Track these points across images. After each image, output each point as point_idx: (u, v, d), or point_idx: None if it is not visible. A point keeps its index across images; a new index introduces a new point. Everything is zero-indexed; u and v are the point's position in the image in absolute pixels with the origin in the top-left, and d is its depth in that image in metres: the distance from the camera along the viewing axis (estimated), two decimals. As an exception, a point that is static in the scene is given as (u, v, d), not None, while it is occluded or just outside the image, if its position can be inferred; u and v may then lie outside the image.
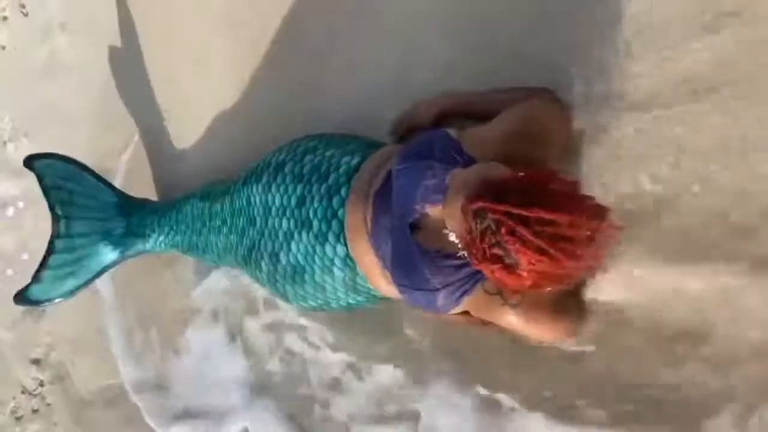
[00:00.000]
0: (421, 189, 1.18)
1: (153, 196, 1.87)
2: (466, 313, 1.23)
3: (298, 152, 1.46)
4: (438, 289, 1.17)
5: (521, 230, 0.91)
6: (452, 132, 1.21)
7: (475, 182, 0.98)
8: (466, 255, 1.04)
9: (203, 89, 1.81)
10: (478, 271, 1.10)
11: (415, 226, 1.19)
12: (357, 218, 1.32)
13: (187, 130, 1.84)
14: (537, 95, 1.26)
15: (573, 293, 1.25)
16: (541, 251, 0.91)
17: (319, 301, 1.46)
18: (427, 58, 1.49)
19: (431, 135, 1.22)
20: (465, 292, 1.17)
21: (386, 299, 1.41)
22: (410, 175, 1.20)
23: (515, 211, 0.92)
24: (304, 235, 1.38)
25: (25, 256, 1.95)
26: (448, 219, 1.03)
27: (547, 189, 0.94)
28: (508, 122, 1.19)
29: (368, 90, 1.56)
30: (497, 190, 0.95)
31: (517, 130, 1.16)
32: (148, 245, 1.74)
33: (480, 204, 0.94)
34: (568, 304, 1.22)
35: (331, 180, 1.37)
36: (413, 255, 1.18)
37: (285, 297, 1.50)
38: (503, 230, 0.91)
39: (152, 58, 1.89)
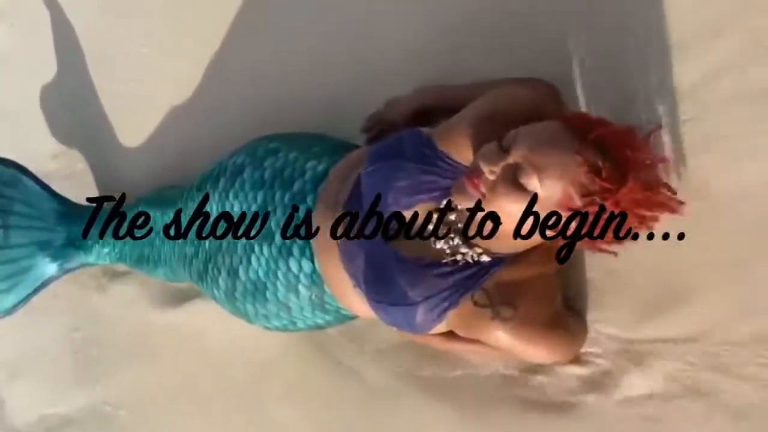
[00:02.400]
0: (392, 193, 1.13)
1: (98, 203, 1.76)
2: (450, 333, 1.16)
3: (257, 155, 1.38)
4: (418, 303, 1.10)
5: (637, 141, 0.97)
6: (423, 130, 1.17)
7: (576, 124, 0.99)
8: (451, 261, 1.06)
9: (153, 83, 1.73)
10: (466, 280, 1.08)
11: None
12: (325, 229, 1.24)
13: (134, 129, 1.76)
14: (528, 83, 1.20)
15: (571, 309, 1.19)
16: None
17: (283, 321, 1.37)
18: (402, 46, 1.43)
19: (401, 134, 1.18)
20: (450, 305, 1.10)
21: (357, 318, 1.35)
22: (379, 177, 1.15)
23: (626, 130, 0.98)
24: (265, 248, 1.31)
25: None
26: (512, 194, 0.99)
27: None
28: (484, 103, 1.14)
29: (336, 83, 1.50)
30: (590, 123, 0.98)
31: (496, 111, 1.11)
32: (91, 257, 1.65)
33: (598, 133, 0.96)
34: (566, 321, 1.15)
35: (295, 187, 1.31)
36: (389, 266, 1.13)
37: (246, 317, 1.41)
38: (620, 148, 0.95)
39: (97, 51, 1.82)
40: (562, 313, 1.15)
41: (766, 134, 1.05)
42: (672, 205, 1.00)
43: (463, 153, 1.11)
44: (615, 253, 1.01)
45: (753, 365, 1.04)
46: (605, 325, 1.18)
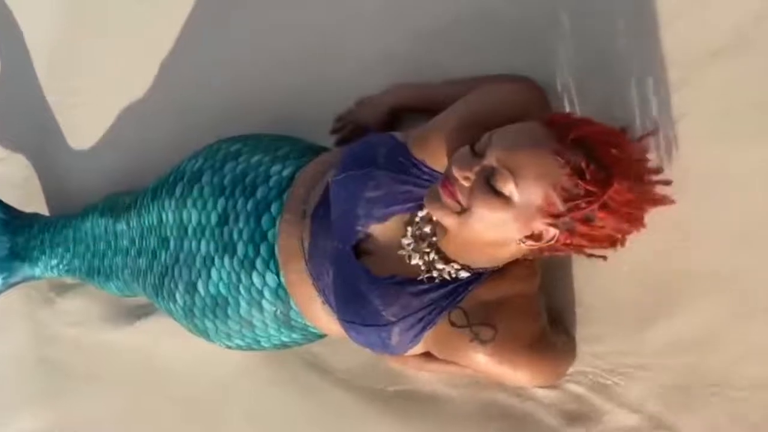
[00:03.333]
0: (363, 204, 1.10)
1: (45, 211, 1.75)
2: (427, 355, 1.13)
3: (217, 159, 1.34)
4: (392, 323, 1.07)
5: (623, 141, 0.94)
6: (398, 134, 1.15)
7: (557, 124, 0.95)
8: (427, 278, 1.04)
9: (103, 84, 1.69)
10: (443, 298, 1.05)
11: (360, 250, 1.11)
12: (291, 241, 1.21)
13: (84, 132, 1.72)
14: (513, 83, 1.17)
15: (558, 327, 1.15)
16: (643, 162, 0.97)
17: (246, 340, 1.33)
18: (376, 42, 1.39)
19: (374, 139, 1.16)
20: (427, 325, 1.06)
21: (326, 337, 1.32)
22: (349, 187, 1.12)
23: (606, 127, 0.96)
24: (226, 260, 1.27)
25: None
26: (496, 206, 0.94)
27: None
28: (465, 106, 1.11)
29: (304, 80, 1.46)
30: (571, 123, 0.95)
31: (478, 114, 1.08)
32: (37, 270, 1.60)
33: (579, 132, 0.92)
34: (551, 341, 1.10)
35: (259, 194, 1.27)
36: (360, 284, 1.10)
37: (206, 335, 1.37)
38: (605, 148, 0.92)
39: (44, 51, 1.78)
40: (547, 333, 1.10)
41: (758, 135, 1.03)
42: (662, 200, 0.97)
43: (441, 160, 1.07)
44: (604, 257, 0.99)
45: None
46: (595, 343, 1.14)
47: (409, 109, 1.30)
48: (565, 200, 0.91)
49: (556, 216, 0.92)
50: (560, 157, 0.90)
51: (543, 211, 0.92)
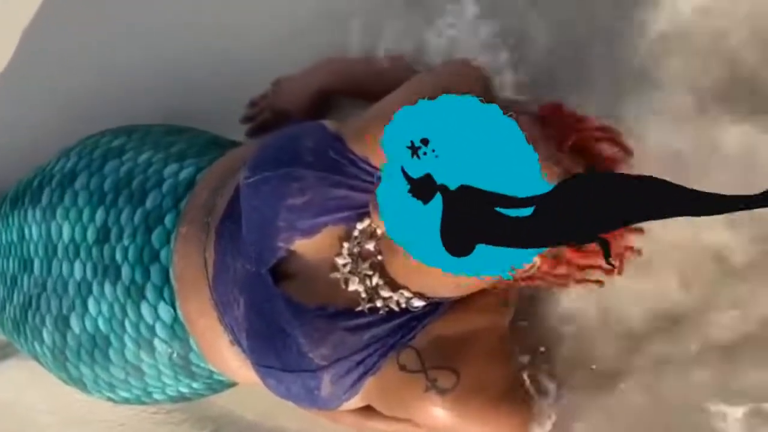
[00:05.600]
0: (284, 213, 1.02)
1: None
2: (369, 409, 1.04)
3: (95, 157, 1.26)
4: (322, 368, 0.98)
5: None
6: (329, 124, 1.08)
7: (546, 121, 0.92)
8: (369, 308, 0.96)
9: None
10: (390, 335, 0.97)
11: (280, 273, 1.03)
12: (191, 262, 1.12)
13: None
14: (455, 62, 1.14)
15: (537, 369, 1.08)
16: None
17: (134, 391, 1.22)
18: (296, 11, 1.34)
19: (296, 129, 1.09)
20: (367, 370, 0.98)
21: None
22: (266, 191, 1.04)
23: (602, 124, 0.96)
24: (107, 288, 1.17)
25: None
26: None
27: None
28: (417, 86, 1.07)
29: (206, 56, 1.40)
30: (566, 121, 0.93)
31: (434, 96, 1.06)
32: None
33: (579, 136, 0.89)
34: (528, 388, 1.03)
35: (149, 202, 1.18)
36: (280, 317, 1.01)
37: (82, 385, 1.25)
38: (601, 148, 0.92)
39: None
40: (522, 378, 1.03)
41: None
42: None
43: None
44: (600, 283, 0.91)
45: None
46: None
47: (342, 92, 1.26)
48: None
49: None
50: (556, 166, 0.85)
51: None
